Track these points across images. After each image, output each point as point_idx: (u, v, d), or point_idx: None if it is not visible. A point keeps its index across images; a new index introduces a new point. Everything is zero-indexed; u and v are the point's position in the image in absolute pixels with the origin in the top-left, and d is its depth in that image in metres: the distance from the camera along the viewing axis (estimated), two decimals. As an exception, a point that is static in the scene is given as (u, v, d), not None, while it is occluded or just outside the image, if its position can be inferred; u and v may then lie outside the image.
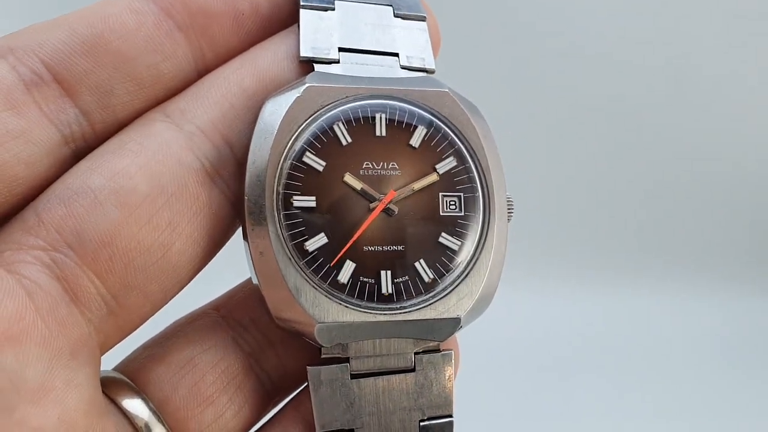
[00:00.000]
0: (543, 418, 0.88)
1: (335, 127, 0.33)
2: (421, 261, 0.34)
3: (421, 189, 0.34)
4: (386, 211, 0.34)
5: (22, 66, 0.30)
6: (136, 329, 0.32)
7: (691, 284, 1.10)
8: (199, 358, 0.33)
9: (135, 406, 0.32)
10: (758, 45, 1.08)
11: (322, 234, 0.32)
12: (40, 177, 0.31)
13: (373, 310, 0.33)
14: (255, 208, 0.32)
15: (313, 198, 0.33)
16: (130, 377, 0.33)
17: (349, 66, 0.35)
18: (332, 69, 0.35)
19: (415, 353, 0.34)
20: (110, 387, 0.32)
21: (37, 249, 0.29)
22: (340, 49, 0.35)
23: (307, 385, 0.33)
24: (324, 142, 0.33)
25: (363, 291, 0.33)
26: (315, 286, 0.32)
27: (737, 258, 1.14)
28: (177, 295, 0.33)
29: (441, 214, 0.34)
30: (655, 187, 1.12)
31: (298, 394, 0.36)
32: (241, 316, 0.35)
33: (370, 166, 0.34)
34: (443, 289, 0.34)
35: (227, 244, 0.35)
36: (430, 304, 0.33)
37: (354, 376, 0.33)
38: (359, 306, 0.32)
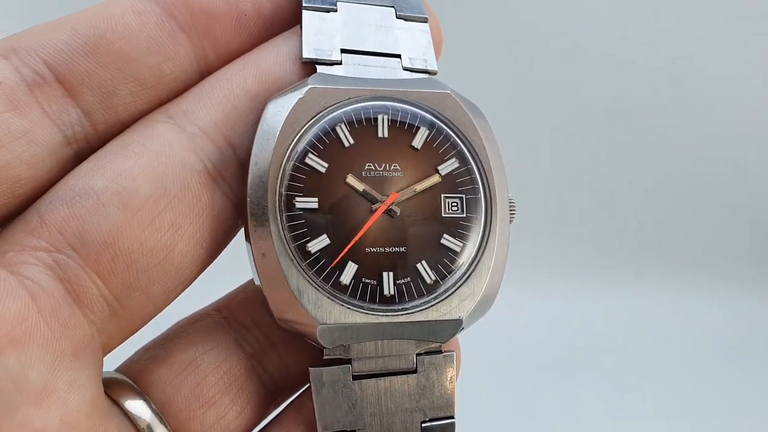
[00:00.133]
0: (544, 418, 0.88)
1: (337, 129, 0.33)
2: (423, 262, 0.34)
3: (423, 190, 0.34)
4: (388, 212, 0.34)
5: (25, 67, 0.30)
6: (138, 330, 0.32)
7: (691, 284, 1.10)
8: (201, 359, 0.33)
9: (137, 407, 0.32)
10: (759, 46, 1.08)
11: (325, 235, 0.32)
12: (43, 178, 0.31)
13: (375, 311, 0.33)
14: (257, 209, 0.32)
15: (316, 199, 0.33)
16: (133, 378, 0.33)
17: (352, 67, 0.35)
18: (334, 70, 0.35)
19: (417, 354, 0.34)
20: (113, 388, 0.32)
21: (39, 250, 0.29)
22: (343, 51, 0.35)
23: (309, 386, 0.33)
24: (326, 143, 0.33)
25: (365, 292, 0.33)
26: (317, 287, 0.32)
27: (737, 258, 1.14)
28: (179, 297, 0.33)
29: (443, 215, 0.34)
30: (656, 188, 1.12)
31: (299, 395, 0.36)
32: (243, 318, 0.35)
33: (373, 167, 0.34)
34: (445, 291, 0.34)
35: (229, 245, 0.35)
36: (431, 306, 0.33)
37: (356, 378, 0.33)
38: (361, 307, 0.32)
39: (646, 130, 1.10)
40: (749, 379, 0.98)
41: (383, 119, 0.34)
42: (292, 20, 0.36)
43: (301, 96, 0.33)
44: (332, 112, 0.33)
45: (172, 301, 0.32)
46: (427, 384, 0.34)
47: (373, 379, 0.33)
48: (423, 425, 0.34)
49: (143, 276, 0.30)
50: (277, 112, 0.33)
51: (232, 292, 0.37)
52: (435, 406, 0.34)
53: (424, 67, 0.37)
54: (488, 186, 0.35)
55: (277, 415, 0.36)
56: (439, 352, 0.35)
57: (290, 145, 0.33)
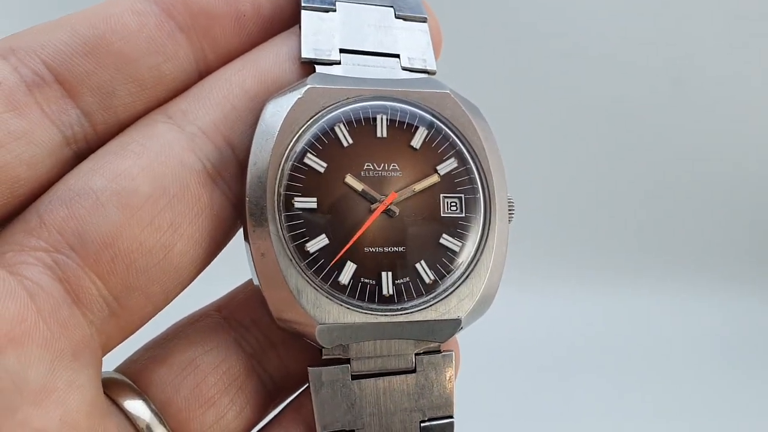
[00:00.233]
0: (543, 418, 0.88)
1: (336, 129, 0.33)
2: (422, 262, 0.34)
3: (422, 190, 0.34)
4: (387, 212, 0.34)
5: (24, 67, 0.30)
6: (137, 330, 0.32)
7: (691, 284, 1.10)
8: (200, 359, 0.33)
9: (137, 407, 0.32)
10: (759, 46, 1.08)
11: (323, 235, 0.32)
12: (42, 178, 0.31)
13: (374, 311, 0.33)
14: (256, 209, 0.32)
15: (315, 199, 0.33)
16: (132, 378, 0.33)
17: (351, 67, 0.35)
18: (333, 70, 0.35)
19: (416, 354, 0.34)
20: (112, 388, 0.32)
21: (38, 250, 0.29)
22: (342, 51, 0.35)
23: (308, 386, 0.33)
24: (325, 143, 0.33)
25: (364, 292, 0.33)
26: (316, 287, 0.32)
27: (737, 258, 1.14)
28: (178, 296, 0.33)
29: (442, 215, 0.34)
30: (656, 188, 1.11)
31: (299, 395, 0.36)
32: (243, 317, 0.35)
33: (371, 167, 0.34)
34: (444, 291, 0.34)
35: (228, 245, 0.35)
36: (430, 305, 0.33)
37: (355, 377, 0.33)
38: (360, 307, 0.33)
39: (646, 130, 1.10)
40: (749, 379, 0.98)
41: (382, 119, 0.34)
42: (291, 20, 0.36)
43: (299, 96, 0.33)
44: (331, 112, 0.34)
45: (172, 301, 0.32)
46: (426, 384, 0.34)
47: (372, 379, 0.33)
48: (422, 425, 0.34)
49: (142, 276, 0.30)
50: (276, 112, 0.33)
51: (231, 292, 0.37)
52: (434, 406, 0.34)
53: (423, 67, 0.37)
54: (487, 186, 0.35)
55: (276, 415, 0.36)
56: (438, 351, 0.35)
57: (289, 145, 0.33)
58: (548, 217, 1.07)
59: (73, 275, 0.29)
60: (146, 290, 0.31)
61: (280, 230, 0.32)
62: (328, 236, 0.32)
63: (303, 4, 0.35)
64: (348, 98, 0.34)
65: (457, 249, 0.34)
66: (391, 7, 0.38)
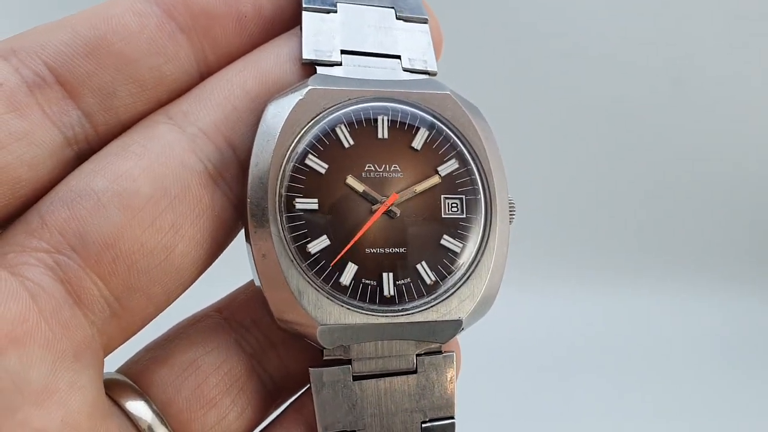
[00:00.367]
0: (543, 418, 0.88)
1: (337, 130, 0.33)
2: (423, 263, 0.34)
3: (423, 191, 0.34)
4: (388, 213, 0.34)
5: (25, 68, 0.30)
6: (139, 331, 0.33)
7: (691, 284, 1.10)
8: (202, 360, 0.33)
9: (138, 408, 0.32)
10: (759, 46, 1.08)
11: (325, 236, 0.32)
12: (43, 179, 0.31)
13: (375, 312, 0.33)
14: (257, 210, 0.32)
15: (316, 200, 0.33)
16: (133, 379, 0.33)
17: (352, 68, 0.35)
18: (334, 71, 0.35)
19: (417, 355, 0.34)
20: (113, 389, 0.32)
21: (40, 251, 0.29)
22: (343, 52, 0.35)
23: (309, 387, 0.33)
24: (326, 144, 0.33)
25: (365, 293, 0.33)
26: (317, 288, 0.32)
27: (737, 258, 1.14)
28: (180, 297, 0.33)
29: (443, 216, 0.34)
30: (656, 188, 1.12)
31: (300, 396, 0.36)
32: (244, 318, 0.35)
33: (372, 168, 0.34)
34: (445, 291, 0.34)
35: (230, 246, 0.35)
36: (431, 306, 0.33)
37: (356, 378, 0.33)
38: (361, 308, 0.33)
39: (646, 130, 1.10)
40: (749, 379, 0.98)
41: (383, 120, 0.34)
42: (292, 21, 0.36)
43: (301, 97, 0.33)
44: (332, 113, 0.34)
45: (173, 302, 0.33)
46: (427, 384, 0.34)
47: (373, 380, 0.33)
48: (423, 425, 0.34)
49: (144, 277, 0.30)
50: (277, 113, 0.33)
51: (232, 293, 0.37)
52: (435, 407, 0.34)
53: (424, 68, 0.37)
54: (488, 187, 0.35)
55: (278, 416, 0.36)
56: (439, 352, 0.35)
57: (290, 146, 0.33)
58: (548, 218, 1.07)
59: (74, 276, 0.29)
60: (147, 291, 0.31)
61: (281, 231, 0.32)
62: (329, 237, 0.33)
63: (304, 5, 0.35)
64: (349, 99, 0.34)
65: (458, 250, 0.34)
66: (392, 8, 0.38)
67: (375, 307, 0.33)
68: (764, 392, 0.95)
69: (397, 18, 0.37)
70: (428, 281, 0.34)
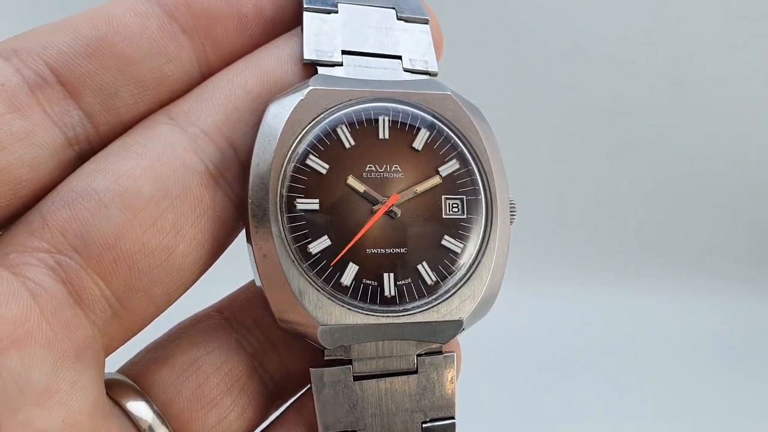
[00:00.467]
0: (544, 418, 0.88)
1: (338, 130, 0.33)
2: (424, 263, 0.34)
3: (424, 192, 0.34)
4: (389, 213, 0.34)
5: (27, 68, 0.30)
6: (140, 331, 0.33)
7: (691, 284, 1.10)
8: (202, 360, 0.33)
9: (139, 408, 0.32)
10: (759, 46, 1.08)
11: (326, 236, 0.33)
12: (45, 179, 0.31)
13: (376, 312, 0.33)
14: (258, 210, 0.32)
15: (317, 200, 0.33)
16: (134, 379, 0.33)
17: (353, 69, 0.35)
18: (335, 72, 0.35)
19: (418, 355, 0.34)
20: (114, 389, 0.32)
21: (41, 251, 0.29)
22: (344, 52, 0.35)
23: (310, 387, 0.33)
24: (327, 144, 0.33)
25: (366, 293, 0.33)
26: (318, 288, 0.32)
27: (737, 258, 1.14)
28: (180, 297, 0.33)
29: (444, 216, 0.34)
30: (656, 188, 1.12)
31: (300, 396, 0.36)
32: (244, 318, 0.35)
33: (373, 168, 0.34)
34: (446, 292, 0.34)
35: (231, 246, 0.35)
36: (432, 307, 0.33)
37: (357, 378, 0.33)
38: (362, 308, 0.33)
39: (646, 130, 1.10)
40: (749, 379, 0.98)
41: (384, 120, 0.34)
42: (293, 21, 0.36)
43: (302, 97, 0.33)
44: (333, 114, 0.34)
45: (174, 302, 0.33)
46: (427, 384, 0.34)
47: (374, 380, 0.33)
48: (423, 426, 0.34)
49: (145, 277, 0.30)
50: (279, 113, 0.33)
51: (233, 293, 0.37)
52: (435, 407, 0.34)
53: (425, 69, 0.37)
54: (489, 187, 0.35)
55: (278, 416, 0.36)
56: (440, 352, 0.35)
57: (291, 146, 0.33)
58: (548, 218, 1.07)
59: (75, 276, 0.29)
60: (149, 291, 0.31)
61: (282, 231, 0.32)
62: (330, 237, 0.33)
63: (305, 6, 0.35)
64: (350, 100, 0.34)
65: (458, 250, 0.34)
66: (393, 8, 0.38)
67: (376, 307, 0.33)
68: (764, 392, 0.95)
69: (398, 18, 0.37)
70: (429, 281, 0.34)
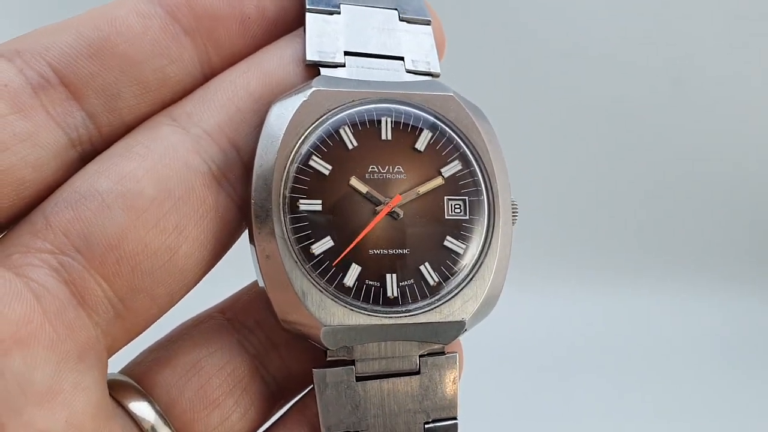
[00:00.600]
0: (544, 418, 0.88)
1: (341, 131, 0.34)
2: (426, 264, 0.34)
3: (427, 192, 0.34)
4: (391, 214, 0.34)
5: (29, 69, 0.30)
6: (142, 332, 0.33)
7: (691, 284, 1.10)
8: (205, 361, 0.33)
9: (142, 409, 0.32)
10: (759, 46, 1.09)
11: (328, 237, 0.33)
12: (48, 180, 0.31)
13: (379, 313, 0.33)
14: (261, 211, 0.32)
15: (319, 201, 0.33)
16: (137, 380, 0.33)
17: (355, 70, 0.35)
18: (338, 73, 0.35)
19: (420, 356, 0.34)
20: (117, 390, 0.32)
21: (44, 252, 0.29)
22: (346, 53, 0.35)
23: (312, 388, 0.33)
24: (330, 145, 0.33)
25: (368, 294, 0.33)
26: (321, 289, 0.32)
27: (737, 258, 1.14)
28: (183, 298, 0.33)
29: (446, 217, 0.35)
30: (656, 188, 1.12)
31: (303, 396, 0.36)
32: (247, 319, 0.35)
33: (376, 169, 0.34)
34: (448, 293, 0.34)
35: (233, 246, 0.35)
36: (435, 308, 0.33)
37: (359, 379, 0.33)
38: (365, 309, 0.33)
39: (646, 130, 1.10)
40: (749, 379, 0.98)
41: (386, 122, 0.34)
42: (296, 22, 0.36)
43: (305, 98, 0.33)
44: (336, 115, 0.34)
45: (177, 303, 0.33)
46: (430, 385, 0.34)
47: (377, 381, 0.33)
48: (426, 426, 0.34)
49: (148, 278, 0.30)
50: (281, 114, 0.33)
51: (235, 294, 0.37)
52: (438, 407, 0.34)
53: (427, 70, 0.37)
54: (491, 188, 0.35)
55: (281, 417, 0.36)
56: (442, 353, 0.35)
57: (294, 147, 0.33)
58: (549, 218, 1.07)
59: (78, 277, 0.29)
60: (151, 292, 0.31)
61: (285, 232, 0.32)
62: (333, 238, 0.33)
63: (307, 7, 0.35)
64: (353, 101, 0.34)
65: (461, 251, 0.34)
66: (395, 9, 0.38)
67: (378, 308, 0.33)
68: (764, 392, 0.96)
69: (401, 19, 0.37)
70: (431, 282, 0.34)
